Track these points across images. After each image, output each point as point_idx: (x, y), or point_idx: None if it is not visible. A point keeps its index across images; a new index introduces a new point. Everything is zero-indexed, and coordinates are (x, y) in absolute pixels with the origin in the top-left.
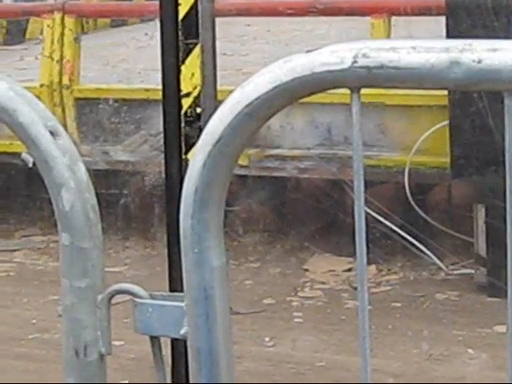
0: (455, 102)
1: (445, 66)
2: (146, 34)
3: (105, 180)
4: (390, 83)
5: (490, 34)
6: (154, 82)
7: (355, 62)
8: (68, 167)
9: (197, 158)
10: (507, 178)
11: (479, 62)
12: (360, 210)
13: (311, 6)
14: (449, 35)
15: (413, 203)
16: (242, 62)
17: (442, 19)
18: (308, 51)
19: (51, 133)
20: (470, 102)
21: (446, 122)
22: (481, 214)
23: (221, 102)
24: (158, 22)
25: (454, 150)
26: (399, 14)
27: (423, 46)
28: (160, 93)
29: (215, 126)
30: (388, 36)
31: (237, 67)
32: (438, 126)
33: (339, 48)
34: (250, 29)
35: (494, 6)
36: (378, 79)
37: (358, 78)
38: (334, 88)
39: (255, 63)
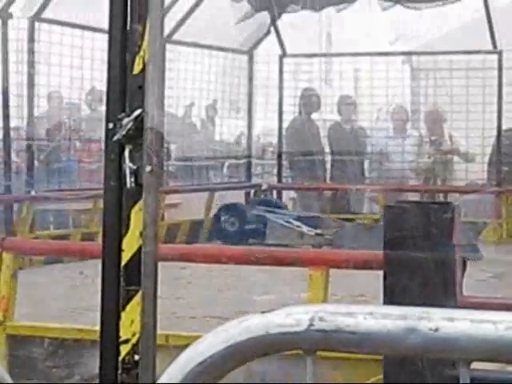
0: (390, 358)
1: (401, 333)
2: (81, 273)
3: None
4: (346, 347)
5: (429, 291)
6: (88, 322)
7: (311, 325)
8: None
9: None
10: None
11: (436, 330)
12: None
13: (250, 255)
14: (386, 290)
15: None
16: (175, 306)
17: (381, 273)
18: (263, 312)
19: None
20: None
21: (381, 376)
22: None
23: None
24: (100, 265)
25: None
26: (337, 267)
27: (380, 313)
28: (96, 333)
29: (166, 382)
30: (326, 287)
31: (171, 310)
32: (372, 379)
33: (295, 310)
34: (185, 272)
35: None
36: (334, 343)
37: (313, 341)
38: (289, 350)
39: (189, 307)
